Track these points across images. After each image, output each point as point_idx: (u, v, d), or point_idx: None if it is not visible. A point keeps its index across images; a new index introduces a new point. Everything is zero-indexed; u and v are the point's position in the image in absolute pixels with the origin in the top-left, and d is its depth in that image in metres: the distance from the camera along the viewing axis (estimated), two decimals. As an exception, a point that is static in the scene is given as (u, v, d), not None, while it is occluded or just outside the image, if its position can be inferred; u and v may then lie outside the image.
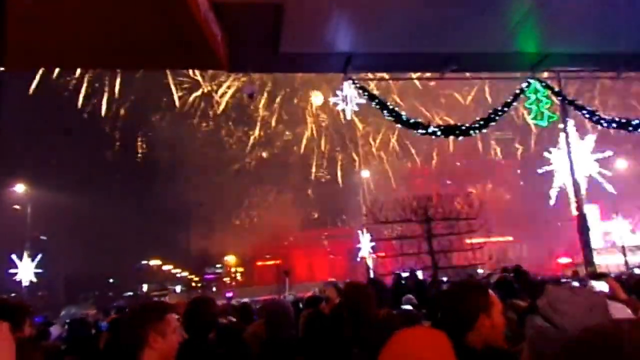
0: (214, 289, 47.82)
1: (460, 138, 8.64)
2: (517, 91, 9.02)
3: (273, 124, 49.36)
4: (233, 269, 52.06)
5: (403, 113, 7.67)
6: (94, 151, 43.33)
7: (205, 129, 49.27)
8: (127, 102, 45.24)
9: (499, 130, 44.22)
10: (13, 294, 32.73)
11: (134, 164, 46.05)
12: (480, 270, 18.38)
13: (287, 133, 49.85)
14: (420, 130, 7.82)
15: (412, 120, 7.88)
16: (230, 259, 51.32)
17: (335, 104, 7.27)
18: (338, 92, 7.35)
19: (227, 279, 51.28)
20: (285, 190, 48.89)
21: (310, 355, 3.71)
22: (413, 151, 48.92)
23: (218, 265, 51.96)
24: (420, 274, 13.31)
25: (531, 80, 8.95)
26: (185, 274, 52.23)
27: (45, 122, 40.02)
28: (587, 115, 9.46)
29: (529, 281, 8.00)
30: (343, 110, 7.34)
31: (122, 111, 45.86)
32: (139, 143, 47.06)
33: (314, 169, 50.14)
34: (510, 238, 41.91)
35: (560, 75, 10.38)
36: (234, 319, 5.48)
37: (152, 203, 43.98)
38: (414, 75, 13.16)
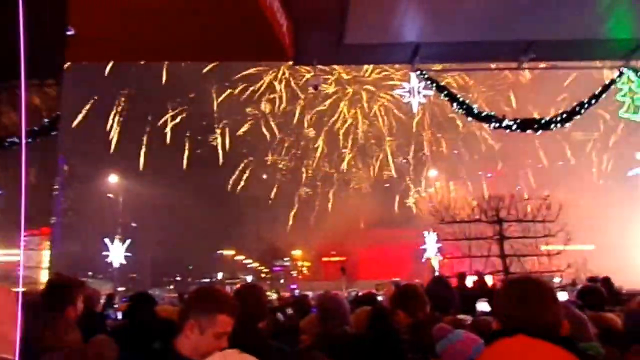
0: (282, 280, 48.97)
1: (539, 133, 7.99)
2: (607, 82, 8.18)
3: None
4: (300, 263, 53.01)
5: (474, 106, 7.22)
6: (176, 146, 46.09)
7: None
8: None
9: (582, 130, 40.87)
10: (102, 276, 35.66)
11: (211, 160, 48.22)
12: (556, 279, 17.08)
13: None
14: (493, 124, 7.33)
15: (484, 114, 7.40)
16: (297, 253, 52.34)
17: (401, 96, 7.03)
18: (404, 85, 7.09)
19: (294, 272, 52.31)
20: (349, 189, 49.12)
21: (362, 353, 3.56)
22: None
23: (286, 259, 53.18)
24: (489, 279, 12.57)
25: (624, 70, 8.08)
26: (255, 264, 54.03)
27: (138, 116, 43.29)
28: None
29: (615, 293, 7.25)
30: (409, 103, 7.07)
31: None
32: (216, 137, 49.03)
33: (376, 167, 49.71)
34: (592, 247, 38.07)
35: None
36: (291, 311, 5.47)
37: (225, 197, 46.00)
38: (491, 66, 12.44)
